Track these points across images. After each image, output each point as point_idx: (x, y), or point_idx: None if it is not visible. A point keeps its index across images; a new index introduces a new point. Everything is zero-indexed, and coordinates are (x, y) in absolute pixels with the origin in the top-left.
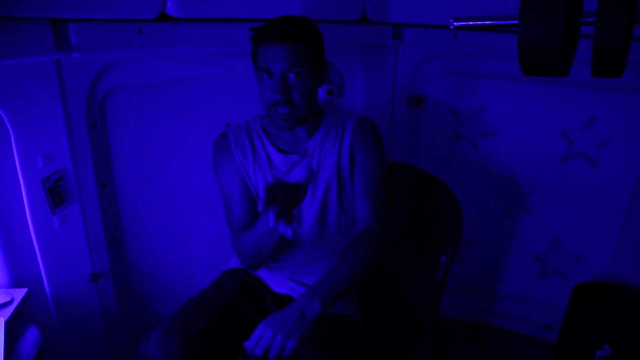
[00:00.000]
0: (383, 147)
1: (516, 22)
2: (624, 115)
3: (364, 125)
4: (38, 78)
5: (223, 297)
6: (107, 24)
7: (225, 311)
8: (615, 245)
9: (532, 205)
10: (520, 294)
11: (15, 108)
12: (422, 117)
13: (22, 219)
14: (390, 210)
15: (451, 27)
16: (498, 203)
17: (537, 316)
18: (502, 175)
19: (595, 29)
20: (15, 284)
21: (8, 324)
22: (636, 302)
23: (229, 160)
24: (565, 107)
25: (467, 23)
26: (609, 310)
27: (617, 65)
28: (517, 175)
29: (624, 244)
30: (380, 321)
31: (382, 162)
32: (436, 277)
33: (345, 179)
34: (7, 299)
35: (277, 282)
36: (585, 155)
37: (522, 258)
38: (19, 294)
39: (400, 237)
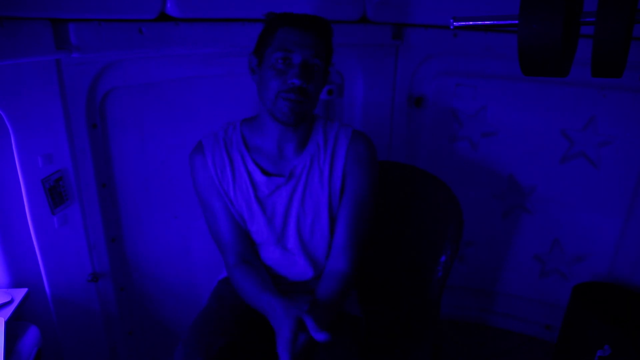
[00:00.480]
0: (377, 172)
1: (516, 22)
2: (624, 115)
3: (359, 146)
4: (38, 78)
5: (233, 310)
6: (107, 24)
7: (239, 324)
8: (615, 245)
9: (532, 205)
10: (520, 294)
11: (15, 108)
12: (422, 117)
13: (22, 219)
14: (389, 210)
15: (451, 27)
16: (498, 203)
17: (537, 316)
18: (502, 175)
19: (595, 29)
20: (15, 284)
21: (8, 324)
22: (636, 302)
23: (207, 178)
24: (565, 107)
25: (467, 23)
26: (609, 310)
27: (617, 65)
28: (517, 175)
29: (624, 244)
30: (380, 321)
31: (375, 191)
32: (436, 277)
33: (335, 208)
34: (7, 299)
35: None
36: (585, 155)
37: (522, 258)
38: (19, 294)
39: (400, 237)
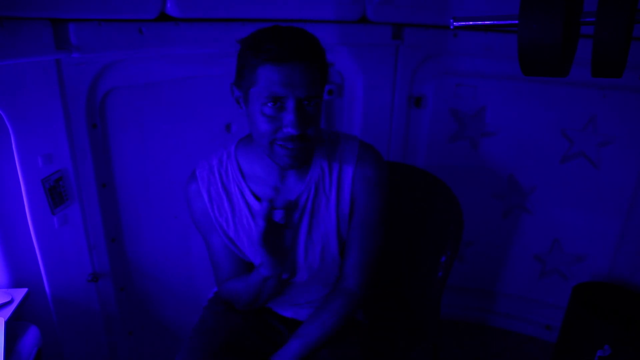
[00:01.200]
0: (388, 191)
1: (516, 22)
2: (624, 115)
3: (367, 168)
4: (38, 78)
5: (229, 335)
6: (107, 24)
7: (236, 350)
8: (615, 245)
9: (532, 205)
10: (520, 294)
11: (15, 108)
12: (422, 117)
13: (22, 219)
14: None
15: (451, 27)
16: (498, 203)
17: (537, 316)
18: (502, 175)
19: (595, 29)
20: (15, 284)
21: (8, 324)
22: (636, 302)
23: (203, 209)
24: (565, 107)
25: (467, 23)
26: (609, 310)
27: (617, 65)
28: (517, 175)
29: (624, 244)
30: (380, 321)
31: (385, 210)
32: (436, 277)
33: (344, 232)
34: (7, 299)
35: (280, 305)
36: (585, 155)
37: (522, 258)
38: (19, 294)
39: (400, 237)
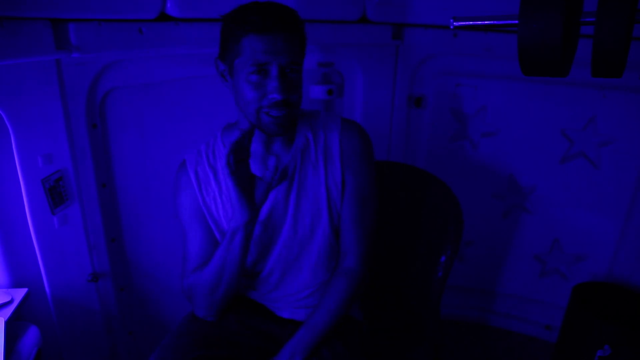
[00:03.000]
0: (373, 161)
1: (516, 22)
2: (624, 115)
3: (353, 134)
4: (38, 78)
5: (224, 338)
6: (107, 24)
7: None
8: (615, 245)
9: (532, 205)
10: (520, 294)
11: (15, 108)
12: (422, 117)
13: (22, 219)
14: (388, 211)
15: (451, 27)
16: (498, 203)
17: (537, 316)
18: (502, 175)
19: (595, 29)
20: (15, 284)
21: (8, 324)
22: (636, 302)
23: (189, 196)
24: (565, 107)
25: (467, 23)
26: (609, 310)
27: (617, 65)
28: (517, 175)
29: (624, 244)
30: (380, 321)
31: (375, 181)
32: (436, 277)
33: (337, 205)
34: (7, 299)
35: (277, 307)
36: (585, 155)
37: (522, 258)
38: (19, 294)
39: (400, 237)
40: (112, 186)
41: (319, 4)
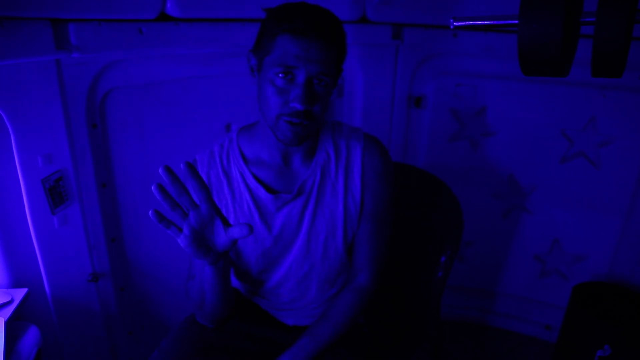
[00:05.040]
0: (393, 179)
1: (516, 22)
2: (624, 115)
3: (375, 156)
4: (38, 78)
5: (228, 345)
6: (107, 24)
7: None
8: (615, 245)
9: (532, 205)
10: (520, 294)
11: (15, 108)
12: (422, 117)
13: (22, 219)
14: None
15: (451, 27)
16: (498, 203)
17: (537, 316)
18: (502, 175)
19: (595, 29)
20: (15, 284)
21: (8, 324)
22: (636, 302)
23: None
24: (565, 107)
25: (467, 23)
26: (609, 310)
27: (617, 65)
28: (517, 175)
29: (624, 244)
30: (380, 321)
31: (393, 201)
32: (436, 277)
33: (354, 224)
34: (7, 299)
35: (282, 315)
36: (585, 155)
37: (522, 258)
38: (19, 294)
39: (400, 237)
40: (112, 186)
41: (319, 4)
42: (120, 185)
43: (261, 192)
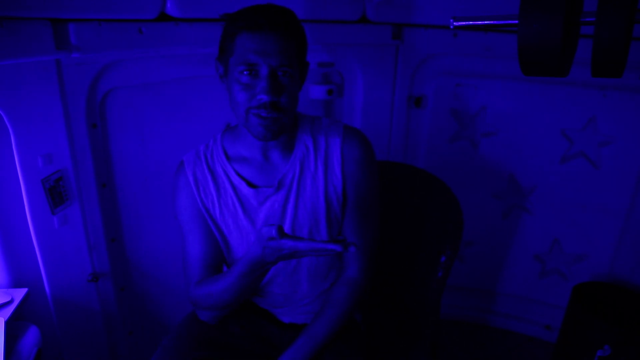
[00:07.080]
0: (377, 170)
1: (516, 22)
2: (624, 115)
3: (354, 146)
4: (38, 78)
5: (227, 344)
6: (107, 24)
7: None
8: (615, 245)
9: (532, 205)
10: (520, 294)
11: (15, 108)
12: (422, 117)
13: (22, 219)
14: (389, 211)
15: (451, 27)
16: (498, 203)
17: (537, 316)
18: (502, 175)
19: (595, 29)
20: (15, 284)
21: (8, 324)
22: (636, 302)
23: (189, 198)
24: (565, 107)
25: (467, 23)
26: (609, 310)
27: (617, 65)
28: (517, 175)
29: (624, 244)
30: (380, 321)
31: (377, 190)
32: (436, 277)
33: (337, 215)
34: (7, 299)
35: (277, 312)
36: (585, 155)
37: (522, 258)
38: (19, 294)
39: (400, 237)
40: (112, 186)
41: (319, 4)
42: (120, 185)
43: (243, 187)
